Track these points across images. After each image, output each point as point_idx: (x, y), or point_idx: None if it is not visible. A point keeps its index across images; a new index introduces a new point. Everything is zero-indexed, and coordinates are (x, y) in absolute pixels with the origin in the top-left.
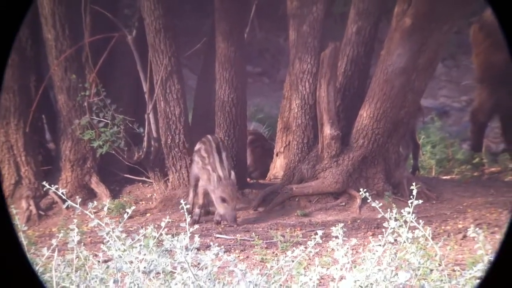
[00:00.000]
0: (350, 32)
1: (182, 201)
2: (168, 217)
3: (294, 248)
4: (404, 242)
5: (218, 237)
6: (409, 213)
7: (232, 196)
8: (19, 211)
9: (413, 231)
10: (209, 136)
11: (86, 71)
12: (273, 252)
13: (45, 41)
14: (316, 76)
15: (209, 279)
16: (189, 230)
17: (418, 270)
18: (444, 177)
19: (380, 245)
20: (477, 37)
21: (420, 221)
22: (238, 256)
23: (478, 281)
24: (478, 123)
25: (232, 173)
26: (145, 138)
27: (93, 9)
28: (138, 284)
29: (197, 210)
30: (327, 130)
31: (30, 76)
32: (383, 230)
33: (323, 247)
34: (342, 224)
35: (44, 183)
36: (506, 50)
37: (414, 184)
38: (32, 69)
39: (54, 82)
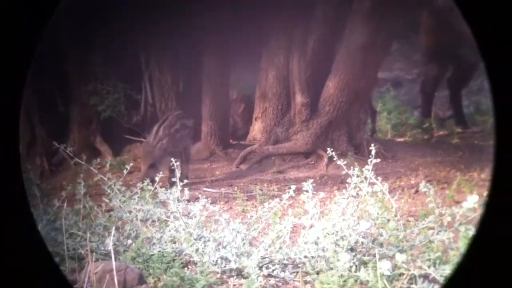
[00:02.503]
0: (318, 13)
1: (173, 159)
2: (161, 172)
3: (270, 200)
4: (365, 195)
5: (205, 191)
6: (368, 170)
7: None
8: (34, 167)
9: (372, 186)
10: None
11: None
12: (253, 204)
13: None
14: (289, 51)
15: (198, 226)
16: (179, 184)
17: (377, 220)
18: (398, 140)
19: (344, 198)
20: (427, 21)
21: (378, 177)
22: (223, 207)
23: (430, 231)
24: (427, 93)
25: (163, 141)
26: (142, 104)
27: None
28: (136, 230)
29: None
30: (299, 98)
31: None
32: (347, 185)
33: (295, 200)
34: (311, 180)
35: (54, 142)
36: (450, 32)
37: (372, 145)
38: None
39: (65, 53)
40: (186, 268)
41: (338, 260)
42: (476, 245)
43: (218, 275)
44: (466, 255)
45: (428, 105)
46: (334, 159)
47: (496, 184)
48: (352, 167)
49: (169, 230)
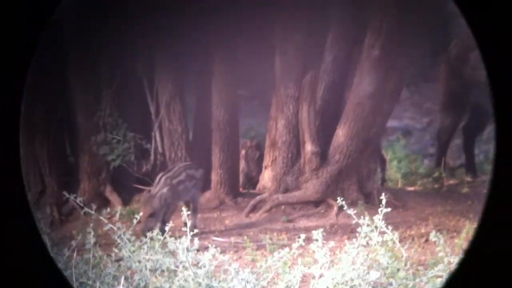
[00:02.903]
0: (327, 60)
1: (183, 208)
2: (171, 222)
3: (280, 249)
4: (375, 244)
5: (214, 240)
6: (379, 219)
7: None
8: (44, 216)
9: (383, 235)
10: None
11: (102, 93)
12: (262, 253)
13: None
14: (299, 100)
15: (207, 276)
16: (189, 233)
17: (387, 269)
18: (409, 189)
19: (354, 247)
20: (442, 72)
21: (389, 226)
22: (232, 257)
23: (439, 279)
24: (442, 141)
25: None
26: (152, 153)
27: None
28: (145, 280)
29: None
30: (308, 147)
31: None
32: (357, 234)
33: (305, 249)
34: (321, 229)
35: (64, 192)
36: (464, 80)
37: (383, 194)
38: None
39: (75, 103)
40: None
41: None
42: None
43: None
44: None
45: (442, 153)
46: (344, 208)
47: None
48: (362, 216)
49: (178, 280)
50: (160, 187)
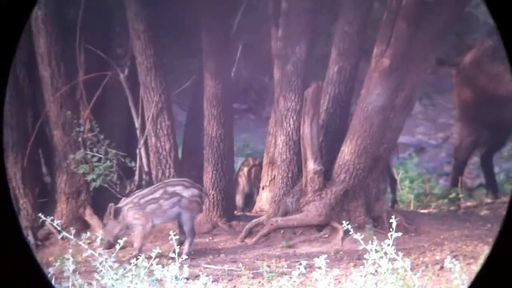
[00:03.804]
0: (331, 72)
1: (171, 232)
2: (158, 248)
3: (279, 278)
4: (384, 273)
5: (206, 267)
6: (389, 245)
7: None
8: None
9: (393, 262)
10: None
11: (80, 108)
12: (259, 282)
13: (41, 79)
14: (300, 114)
15: None
16: (178, 260)
17: None
18: (422, 211)
19: (361, 275)
20: (456, 80)
21: (400, 253)
22: (226, 286)
23: None
24: (459, 160)
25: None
26: (137, 172)
27: (87, 48)
28: None
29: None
30: (311, 165)
31: (27, 112)
32: (364, 261)
33: (307, 277)
34: (325, 256)
35: (40, 214)
36: (480, 92)
37: (393, 217)
38: (29, 106)
39: (50, 118)
40: None
41: None
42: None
43: None
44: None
45: (458, 173)
46: (350, 232)
47: None
48: (370, 242)
49: None
50: (123, 203)
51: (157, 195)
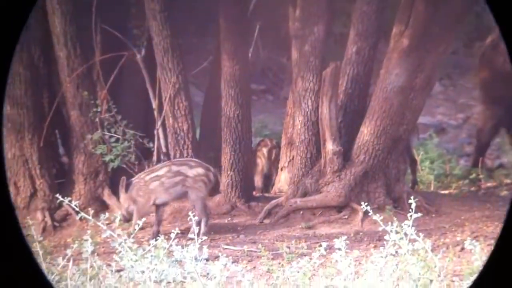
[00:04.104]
0: (350, 52)
1: (190, 213)
2: (177, 228)
3: (299, 259)
4: (405, 254)
5: (226, 248)
6: (409, 226)
7: None
8: (35, 222)
9: (413, 243)
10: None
11: (97, 88)
12: (279, 263)
13: (57, 59)
14: (318, 94)
15: None
16: (197, 241)
17: (419, 281)
18: (443, 192)
19: (382, 257)
20: (479, 62)
21: (420, 234)
22: (246, 267)
23: None
24: (481, 142)
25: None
26: (155, 153)
27: (104, 28)
28: None
29: None
30: (329, 146)
31: (43, 93)
32: (385, 242)
33: (327, 259)
34: (345, 237)
35: (58, 195)
36: (499, 73)
37: (412, 198)
38: (45, 86)
39: (67, 99)
40: None
41: None
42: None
43: None
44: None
45: (480, 154)
46: (370, 213)
47: None
48: (390, 223)
49: None
50: (134, 178)
51: (161, 172)
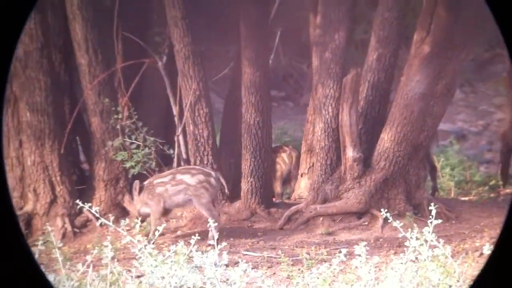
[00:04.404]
0: (371, 59)
1: (210, 219)
2: (197, 234)
3: (319, 265)
4: (425, 260)
5: (245, 254)
6: (429, 232)
7: None
8: (55, 229)
9: (433, 249)
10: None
11: (118, 95)
12: (299, 269)
13: (78, 66)
14: (339, 101)
15: None
16: (217, 247)
17: (438, 286)
18: (463, 198)
19: (401, 263)
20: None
21: (440, 240)
22: (265, 273)
23: None
24: (507, 145)
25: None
26: (175, 159)
27: (124, 35)
28: None
29: None
30: (350, 153)
31: (64, 99)
32: (405, 248)
33: (347, 265)
34: (365, 243)
35: (78, 201)
36: None
37: (432, 204)
38: (66, 93)
39: (88, 106)
40: None
41: None
42: None
43: None
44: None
45: (507, 159)
46: (390, 220)
47: None
48: (410, 229)
49: None
50: (146, 181)
51: (166, 179)
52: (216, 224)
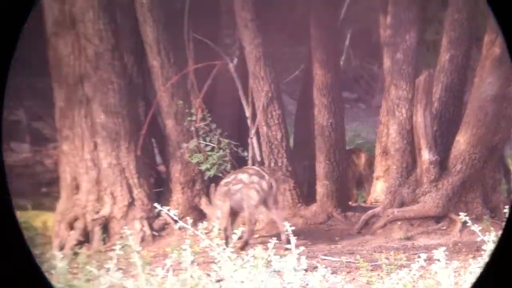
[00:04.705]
0: (443, 59)
1: (286, 223)
2: (275, 238)
3: (398, 270)
4: None
5: (324, 259)
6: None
7: None
8: (133, 232)
9: None
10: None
11: (191, 97)
12: (378, 275)
13: (150, 68)
14: (412, 102)
15: None
16: (295, 251)
17: None
18: None
19: (480, 267)
20: None
21: None
22: (345, 278)
23: None
24: None
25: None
26: (249, 162)
27: (196, 37)
28: None
29: None
30: (426, 155)
31: (138, 102)
32: (483, 252)
33: (426, 270)
34: (443, 248)
35: (156, 204)
36: None
37: (507, 207)
38: (140, 95)
39: (162, 108)
40: None
41: None
42: None
43: None
44: None
45: None
46: (468, 224)
47: None
48: (488, 233)
49: None
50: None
51: (230, 179)
52: (291, 228)
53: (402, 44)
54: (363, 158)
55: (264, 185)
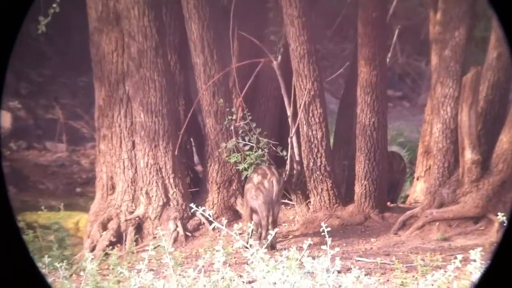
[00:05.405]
0: (491, 57)
1: (323, 223)
2: (309, 239)
3: (433, 272)
4: None
5: (358, 260)
6: None
7: None
8: (166, 233)
9: None
10: None
11: (233, 96)
12: (413, 276)
13: (193, 66)
14: (458, 101)
15: None
16: (330, 252)
17: None
18: None
19: None
20: None
21: None
22: (379, 279)
23: None
24: None
25: None
26: (288, 161)
27: (240, 35)
28: None
29: None
30: (468, 155)
31: (179, 100)
32: None
33: (461, 271)
34: (480, 248)
35: (192, 205)
36: None
37: None
38: (181, 93)
39: (202, 106)
40: None
41: None
42: None
43: None
44: None
45: None
46: (505, 224)
47: None
48: None
49: None
50: None
51: (254, 177)
52: (327, 229)
53: (451, 41)
54: (399, 163)
55: (266, 183)
